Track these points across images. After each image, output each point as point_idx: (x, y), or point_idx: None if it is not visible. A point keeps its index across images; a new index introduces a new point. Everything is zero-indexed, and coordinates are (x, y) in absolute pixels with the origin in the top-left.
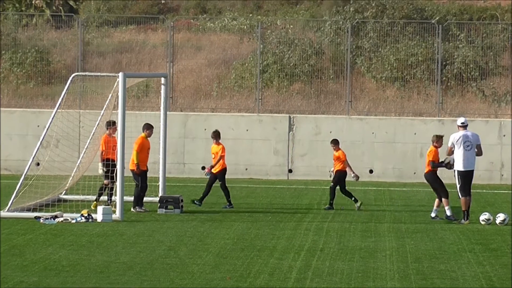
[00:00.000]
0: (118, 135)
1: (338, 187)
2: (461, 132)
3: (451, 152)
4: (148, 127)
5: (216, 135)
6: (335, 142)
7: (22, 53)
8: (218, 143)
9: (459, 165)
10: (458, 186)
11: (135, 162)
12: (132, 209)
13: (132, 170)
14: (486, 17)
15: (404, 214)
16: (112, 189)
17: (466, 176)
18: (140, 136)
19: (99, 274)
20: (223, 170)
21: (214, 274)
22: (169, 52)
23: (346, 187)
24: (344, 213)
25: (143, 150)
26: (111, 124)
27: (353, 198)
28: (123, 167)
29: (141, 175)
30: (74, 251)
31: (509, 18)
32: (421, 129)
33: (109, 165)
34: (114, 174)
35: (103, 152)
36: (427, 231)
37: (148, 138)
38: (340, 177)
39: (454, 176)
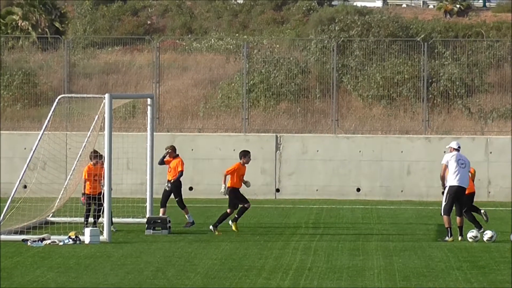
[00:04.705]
0: (105, 156)
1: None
2: (455, 152)
3: (445, 169)
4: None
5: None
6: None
7: (9, 76)
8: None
9: (451, 181)
10: (443, 203)
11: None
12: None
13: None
14: (472, 34)
15: (392, 232)
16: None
17: (457, 193)
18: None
19: None
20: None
21: None
22: (155, 73)
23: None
24: (332, 232)
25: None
26: (99, 157)
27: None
28: (110, 189)
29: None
30: (62, 273)
31: (494, 35)
32: (408, 147)
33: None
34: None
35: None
36: (415, 249)
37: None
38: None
39: (443, 192)
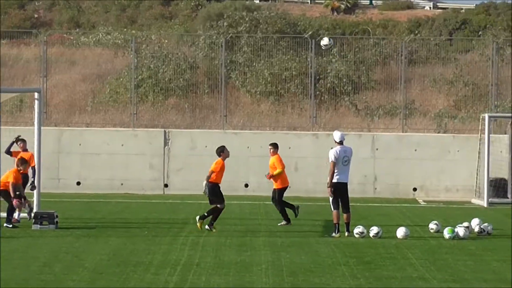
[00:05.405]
0: None
1: None
2: (339, 148)
3: (334, 167)
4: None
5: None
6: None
7: None
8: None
9: (334, 178)
10: (331, 199)
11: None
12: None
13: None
14: (358, 32)
15: (279, 228)
16: None
17: (340, 188)
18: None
19: None
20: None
21: None
22: (43, 67)
23: None
24: (220, 228)
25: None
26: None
27: None
28: None
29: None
30: None
31: (380, 32)
32: (295, 143)
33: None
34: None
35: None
36: (302, 245)
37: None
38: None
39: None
